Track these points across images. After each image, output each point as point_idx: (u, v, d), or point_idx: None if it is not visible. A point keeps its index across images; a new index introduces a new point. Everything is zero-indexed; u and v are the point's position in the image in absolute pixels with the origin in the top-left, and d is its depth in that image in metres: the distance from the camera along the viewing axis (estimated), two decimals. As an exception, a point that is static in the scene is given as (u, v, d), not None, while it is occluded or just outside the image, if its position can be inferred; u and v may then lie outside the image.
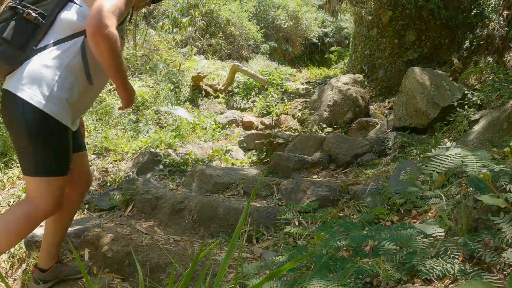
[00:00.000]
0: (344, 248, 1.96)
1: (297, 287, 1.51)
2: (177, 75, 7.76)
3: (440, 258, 1.52)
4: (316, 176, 4.01)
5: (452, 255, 1.53)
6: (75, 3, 1.81)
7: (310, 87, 9.06)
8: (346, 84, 6.27)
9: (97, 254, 2.91)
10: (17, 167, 4.62)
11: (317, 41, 15.91)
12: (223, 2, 13.26)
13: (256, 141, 5.49)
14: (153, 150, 4.91)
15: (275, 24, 14.88)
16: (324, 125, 5.86)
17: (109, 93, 6.62)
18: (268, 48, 13.74)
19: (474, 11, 6.59)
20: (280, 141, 5.28)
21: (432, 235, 1.68)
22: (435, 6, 6.97)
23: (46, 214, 1.95)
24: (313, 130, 5.86)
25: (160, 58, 8.75)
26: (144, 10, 8.61)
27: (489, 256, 1.51)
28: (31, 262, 3.12)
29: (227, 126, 6.62)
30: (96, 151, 5.02)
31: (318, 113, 6.13)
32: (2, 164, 4.65)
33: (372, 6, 7.94)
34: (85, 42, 1.80)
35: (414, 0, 7.16)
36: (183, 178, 4.42)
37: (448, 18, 6.96)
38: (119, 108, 2.14)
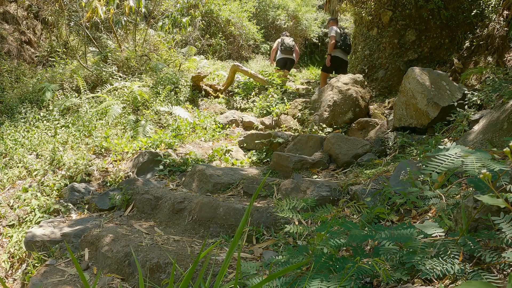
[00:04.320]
0: (344, 248, 1.96)
1: (297, 287, 1.51)
2: (177, 75, 7.76)
3: (440, 258, 1.52)
4: (316, 176, 4.00)
5: (452, 255, 1.53)
6: None
7: (310, 87, 9.06)
8: (346, 84, 6.27)
9: (97, 254, 2.91)
10: (17, 167, 4.62)
11: (317, 41, 15.91)
12: (223, 2, 13.26)
13: (256, 141, 5.49)
14: (153, 150, 4.91)
15: (275, 24, 14.88)
16: (324, 125, 5.86)
17: (109, 93, 6.62)
18: (268, 48, 13.74)
19: (474, 11, 6.59)
20: (280, 141, 5.28)
21: (432, 235, 1.68)
22: (435, 6, 6.97)
23: None
24: (313, 130, 5.86)
25: (160, 58, 8.74)
26: (144, 10, 8.59)
27: (489, 256, 1.51)
28: (31, 262, 3.12)
29: (227, 126, 6.62)
30: (96, 151, 5.02)
31: (318, 113, 6.13)
32: (2, 164, 4.65)
33: (372, 6, 7.94)
34: None
35: (414, 0, 7.16)
36: (183, 178, 4.42)
37: (448, 18, 6.95)
38: None
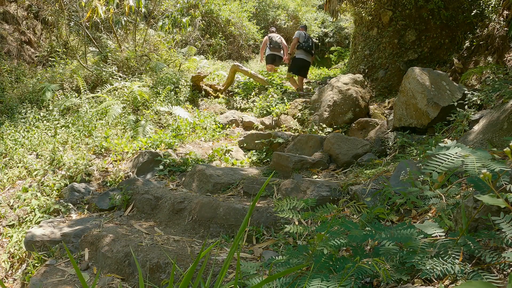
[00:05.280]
0: (344, 248, 1.96)
1: (297, 287, 1.51)
2: (177, 75, 7.76)
3: (440, 258, 1.52)
4: (316, 176, 4.00)
5: (452, 255, 1.53)
6: None
7: (310, 87, 9.06)
8: (346, 84, 6.27)
9: (97, 254, 2.91)
10: (17, 167, 4.62)
11: (317, 41, 15.91)
12: (223, 2, 13.26)
13: (256, 141, 5.49)
14: (153, 150, 4.91)
15: (275, 24, 14.88)
16: (324, 125, 5.86)
17: (109, 93, 6.62)
18: (268, 48, 13.75)
19: (474, 11, 6.59)
20: (280, 141, 5.28)
21: (432, 235, 1.68)
22: (435, 6, 6.97)
23: None
24: (313, 130, 5.86)
25: (160, 58, 8.74)
26: (144, 10, 8.60)
27: (489, 256, 1.51)
28: (31, 262, 3.12)
29: (227, 126, 6.62)
30: (96, 151, 5.02)
31: (318, 113, 6.13)
32: (2, 164, 4.65)
33: (372, 6, 7.94)
34: None
35: (414, 0, 7.16)
36: (183, 178, 4.42)
37: (448, 18, 6.95)
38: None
